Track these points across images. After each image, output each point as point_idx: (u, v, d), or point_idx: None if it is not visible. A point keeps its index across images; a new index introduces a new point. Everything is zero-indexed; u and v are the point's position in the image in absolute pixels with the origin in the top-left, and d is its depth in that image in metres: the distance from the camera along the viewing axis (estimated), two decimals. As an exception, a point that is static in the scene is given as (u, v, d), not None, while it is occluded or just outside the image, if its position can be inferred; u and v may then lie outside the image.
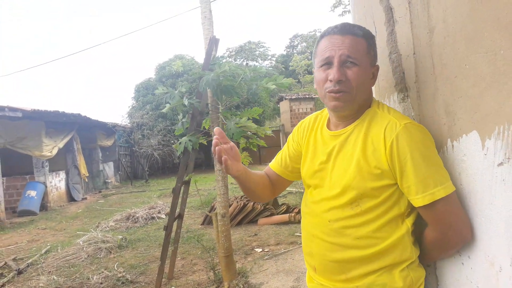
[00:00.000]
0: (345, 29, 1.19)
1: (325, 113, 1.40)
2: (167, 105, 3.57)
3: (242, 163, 1.34)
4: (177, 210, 4.01)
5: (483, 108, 1.00)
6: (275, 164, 1.54)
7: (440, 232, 1.13)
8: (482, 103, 1.00)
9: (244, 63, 34.62)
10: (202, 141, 3.71)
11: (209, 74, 3.19)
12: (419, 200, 1.10)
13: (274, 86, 3.29)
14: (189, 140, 3.50)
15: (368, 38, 1.22)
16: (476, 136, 1.03)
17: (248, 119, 3.48)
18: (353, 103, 1.20)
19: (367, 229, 1.18)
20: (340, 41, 1.18)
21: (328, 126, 1.35)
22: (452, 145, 1.14)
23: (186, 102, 3.42)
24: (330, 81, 1.18)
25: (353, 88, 1.17)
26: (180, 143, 3.58)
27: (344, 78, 1.16)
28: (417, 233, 1.23)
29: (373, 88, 1.54)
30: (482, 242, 1.06)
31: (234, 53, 35.87)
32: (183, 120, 3.72)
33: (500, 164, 0.96)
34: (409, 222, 1.19)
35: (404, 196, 1.16)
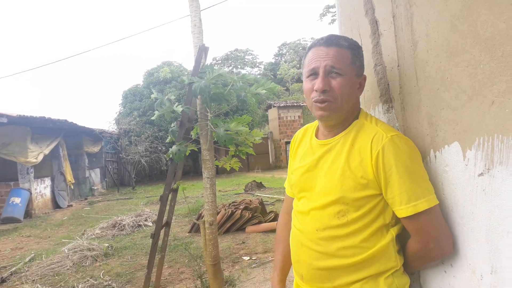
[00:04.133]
0: (330, 41, 1.23)
1: (315, 124, 1.43)
2: (156, 112, 3.56)
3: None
4: (165, 217, 3.99)
5: (464, 120, 1.03)
6: (287, 189, 1.58)
7: (422, 243, 1.16)
8: (464, 115, 1.03)
9: (232, 71, 34.77)
10: (192, 147, 3.71)
11: (200, 81, 3.19)
12: (402, 211, 1.13)
13: (264, 91, 3.32)
14: (178, 150, 3.49)
15: (353, 49, 1.25)
16: (457, 147, 1.06)
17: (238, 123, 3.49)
18: (338, 112, 1.23)
19: (353, 238, 1.20)
20: (325, 52, 1.21)
21: (317, 135, 1.38)
22: (435, 156, 1.16)
23: (177, 108, 3.42)
24: (316, 91, 1.21)
25: (338, 98, 1.20)
26: (170, 152, 3.57)
27: (328, 87, 1.20)
28: (402, 242, 1.25)
29: (360, 98, 1.58)
30: (464, 251, 1.08)
31: (220, 61, 36.01)
32: (173, 127, 3.72)
33: (481, 174, 0.99)
34: (394, 231, 1.21)
35: (389, 207, 1.19)
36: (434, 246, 1.13)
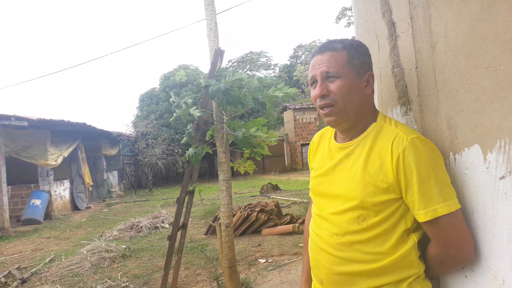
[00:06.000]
0: (323, 47, 1.25)
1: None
2: (174, 114, 3.60)
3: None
4: (181, 219, 4.02)
5: (484, 122, 1.01)
6: (310, 193, 1.55)
7: (442, 248, 1.13)
8: (484, 117, 1.01)
9: (247, 73, 34.84)
10: (207, 150, 3.73)
11: (217, 84, 3.21)
12: (421, 215, 1.11)
13: (282, 94, 3.33)
14: (195, 152, 3.52)
15: (349, 49, 1.23)
16: (478, 150, 1.04)
17: (257, 129, 3.50)
18: (344, 114, 1.22)
19: (373, 244, 1.18)
20: (320, 59, 1.24)
21: (335, 138, 1.37)
22: (455, 158, 1.15)
23: (193, 112, 3.44)
24: (316, 97, 1.24)
25: (339, 100, 1.20)
26: (187, 155, 3.60)
27: (326, 92, 1.21)
28: (423, 247, 1.23)
29: (376, 100, 1.57)
30: (485, 255, 1.07)
31: (236, 63, 36.13)
32: (189, 130, 3.75)
33: (502, 177, 0.97)
34: (415, 236, 1.19)
35: (410, 211, 1.16)
36: (455, 251, 1.11)
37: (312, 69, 1.26)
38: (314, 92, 1.24)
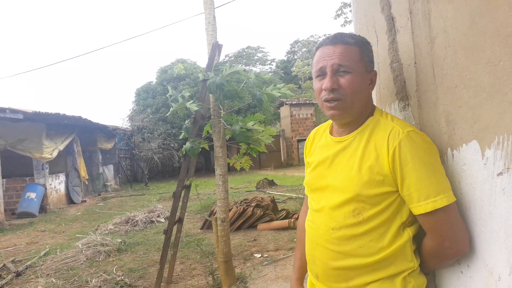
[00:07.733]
0: (335, 39, 1.22)
1: (328, 123, 1.43)
2: (171, 108, 3.59)
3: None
4: (177, 214, 4.01)
5: (483, 118, 1.01)
6: (307, 189, 1.54)
7: (438, 241, 1.13)
8: (482, 113, 1.01)
9: (244, 69, 34.81)
10: (204, 145, 3.72)
11: (215, 77, 3.19)
12: (420, 207, 1.11)
13: (279, 95, 3.33)
14: (192, 146, 3.51)
15: (361, 45, 1.23)
16: (476, 146, 1.04)
17: (254, 123, 3.49)
18: (350, 110, 1.22)
19: (369, 237, 1.18)
20: (331, 51, 1.21)
21: (331, 133, 1.36)
22: (452, 154, 1.14)
23: (191, 106, 3.42)
24: (324, 90, 1.20)
25: (348, 95, 1.19)
26: (184, 149, 3.59)
27: (336, 86, 1.19)
28: (418, 242, 1.23)
29: (374, 95, 1.56)
30: (481, 251, 1.06)
31: (233, 58, 36.06)
32: (187, 124, 3.74)
33: (500, 174, 0.97)
34: (410, 231, 1.19)
35: (406, 205, 1.17)
36: (450, 244, 1.11)
37: (321, 59, 1.22)
38: (323, 84, 1.21)
